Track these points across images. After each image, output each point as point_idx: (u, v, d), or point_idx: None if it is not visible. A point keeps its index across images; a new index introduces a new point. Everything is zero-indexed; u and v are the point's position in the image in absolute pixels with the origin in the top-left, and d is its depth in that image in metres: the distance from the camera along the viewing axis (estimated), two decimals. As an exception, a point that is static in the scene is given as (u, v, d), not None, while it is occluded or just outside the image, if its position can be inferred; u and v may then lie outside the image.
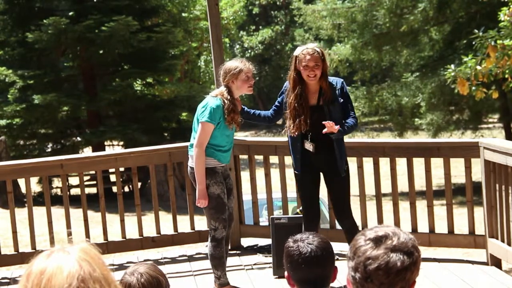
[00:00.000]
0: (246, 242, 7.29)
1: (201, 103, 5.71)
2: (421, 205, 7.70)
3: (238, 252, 7.03)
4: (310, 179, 5.86)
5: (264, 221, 7.76)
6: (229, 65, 5.74)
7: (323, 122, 5.49)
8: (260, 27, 39.16)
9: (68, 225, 6.84)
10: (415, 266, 2.07)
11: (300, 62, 5.66)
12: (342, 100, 5.69)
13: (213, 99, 5.65)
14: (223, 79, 5.72)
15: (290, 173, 6.96)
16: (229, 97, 5.65)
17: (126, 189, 18.98)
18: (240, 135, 25.03)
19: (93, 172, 15.65)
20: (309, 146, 5.71)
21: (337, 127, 5.48)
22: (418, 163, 6.73)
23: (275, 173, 7.20)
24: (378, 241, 2.06)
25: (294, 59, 5.73)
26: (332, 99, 5.67)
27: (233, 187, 6.07)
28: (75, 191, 18.84)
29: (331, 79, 5.77)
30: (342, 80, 5.85)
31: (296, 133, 5.68)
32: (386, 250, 2.04)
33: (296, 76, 5.69)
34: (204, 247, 7.55)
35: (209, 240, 5.79)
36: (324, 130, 5.50)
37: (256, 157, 7.39)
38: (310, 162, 5.77)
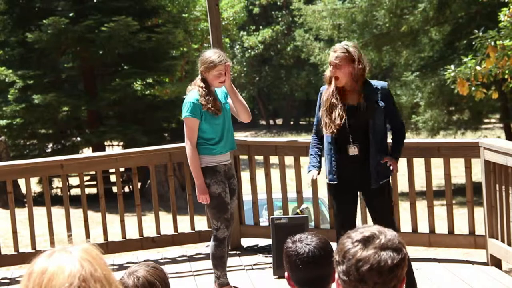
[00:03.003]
0: (246, 242, 7.29)
1: (184, 101, 5.65)
2: (421, 205, 7.70)
3: (238, 252, 7.03)
4: (345, 192, 5.31)
5: (264, 221, 7.76)
6: (206, 55, 5.64)
7: (385, 159, 5.14)
8: (261, 27, 39.16)
9: (68, 226, 6.84)
10: (404, 262, 2.07)
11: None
12: (384, 104, 5.21)
13: (190, 93, 5.59)
14: (199, 67, 5.66)
15: (290, 173, 6.97)
16: (202, 85, 5.56)
17: (126, 189, 18.98)
18: (240, 136, 25.02)
19: (93, 172, 15.65)
20: (353, 150, 5.19)
21: (395, 163, 5.16)
22: (418, 163, 6.73)
23: (275, 173, 7.20)
24: (366, 241, 2.05)
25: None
26: (372, 102, 5.20)
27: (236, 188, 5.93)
28: (75, 191, 18.84)
29: (375, 82, 5.32)
30: (387, 83, 5.42)
31: (329, 132, 5.19)
32: (375, 250, 2.03)
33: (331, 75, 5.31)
34: (204, 247, 7.56)
35: (211, 239, 5.76)
36: (388, 164, 5.17)
37: (256, 157, 7.39)
38: (346, 171, 5.24)
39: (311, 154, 5.43)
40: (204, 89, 5.56)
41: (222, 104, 5.68)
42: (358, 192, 5.43)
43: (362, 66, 5.21)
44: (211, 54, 5.65)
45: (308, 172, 5.40)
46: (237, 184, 6.00)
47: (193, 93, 5.59)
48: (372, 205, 5.35)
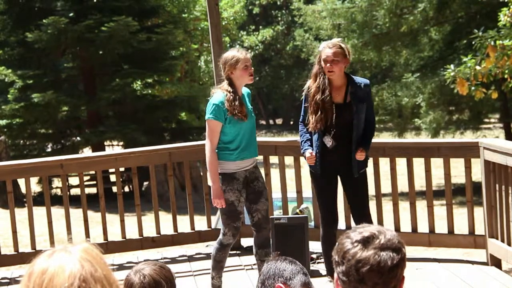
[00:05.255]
0: (246, 242, 7.29)
1: (208, 103, 5.54)
2: (421, 205, 7.70)
3: (238, 252, 7.03)
4: (327, 180, 5.72)
5: (264, 221, 7.74)
6: (225, 56, 5.56)
7: (356, 155, 5.52)
8: (260, 27, 39.16)
9: (68, 225, 6.84)
10: (403, 261, 2.06)
11: (321, 56, 5.58)
12: (366, 102, 5.62)
13: (216, 95, 5.46)
14: (223, 71, 5.54)
15: (290, 173, 6.97)
16: (230, 89, 5.43)
17: (126, 189, 18.98)
18: (240, 135, 24.97)
19: (93, 172, 15.65)
20: (328, 141, 5.57)
21: (363, 155, 5.56)
22: (418, 163, 6.73)
23: (275, 173, 7.20)
24: (365, 242, 2.04)
25: (318, 54, 5.66)
26: (360, 98, 5.58)
27: (264, 189, 5.73)
28: (75, 191, 18.83)
29: (358, 79, 5.68)
30: (369, 81, 5.78)
31: (316, 128, 5.55)
32: (375, 250, 2.02)
33: (319, 71, 5.58)
34: (204, 247, 7.56)
35: (216, 240, 5.69)
36: (358, 157, 5.55)
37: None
38: (328, 161, 5.64)
39: (302, 141, 5.74)
40: (231, 93, 5.42)
41: (249, 109, 5.57)
42: (337, 179, 5.82)
43: (348, 62, 5.62)
44: (230, 52, 5.59)
45: (303, 152, 5.68)
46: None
47: (218, 95, 5.45)
48: (352, 192, 5.79)
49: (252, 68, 5.59)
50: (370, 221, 5.60)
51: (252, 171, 5.60)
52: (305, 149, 5.66)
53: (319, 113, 5.52)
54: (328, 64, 5.50)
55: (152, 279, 3.00)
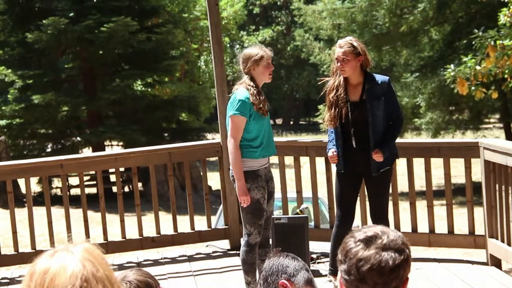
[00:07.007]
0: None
1: (230, 99, 5.47)
2: (421, 205, 7.70)
3: (238, 252, 7.02)
4: (349, 180, 5.66)
5: (264, 221, 7.74)
6: (249, 51, 5.48)
7: (373, 155, 5.42)
8: (260, 27, 39.16)
9: (68, 226, 6.84)
10: (407, 262, 2.06)
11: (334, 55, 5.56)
12: (385, 98, 5.47)
13: (240, 91, 5.38)
14: (243, 67, 5.45)
15: (290, 173, 6.97)
16: (252, 84, 5.39)
17: (126, 189, 18.99)
18: (240, 135, 24.98)
19: (93, 172, 15.66)
20: (352, 140, 5.53)
21: (380, 156, 5.42)
22: (418, 163, 6.73)
23: (275, 173, 7.16)
24: (368, 241, 2.04)
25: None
26: (376, 95, 5.47)
27: (274, 191, 5.69)
28: (75, 191, 18.84)
29: (377, 77, 5.58)
30: (388, 78, 5.67)
31: (330, 125, 5.55)
32: (377, 250, 2.03)
33: (335, 69, 5.55)
34: (204, 247, 7.56)
35: (242, 244, 5.57)
36: (374, 158, 5.45)
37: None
38: (351, 160, 5.58)
39: (328, 141, 5.73)
40: (254, 88, 5.39)
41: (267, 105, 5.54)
42: (362, 180, 5.76)
43: (367, 58, 5.53)
44: (253, 48, 5.52)
45: (327, 151, 5.68)
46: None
47: (242, 91, 5.38)
48: (370, 191, 5.71)
49: (273, 66, 5.55)
50: (384, 223, 5.36)
51: (269, 170, 5.58)
52: (329, 149, 5.64)
53: (333, 110, 5.52)
54: (338, 63, 5.47)
55: (139, 281, 3.00)
